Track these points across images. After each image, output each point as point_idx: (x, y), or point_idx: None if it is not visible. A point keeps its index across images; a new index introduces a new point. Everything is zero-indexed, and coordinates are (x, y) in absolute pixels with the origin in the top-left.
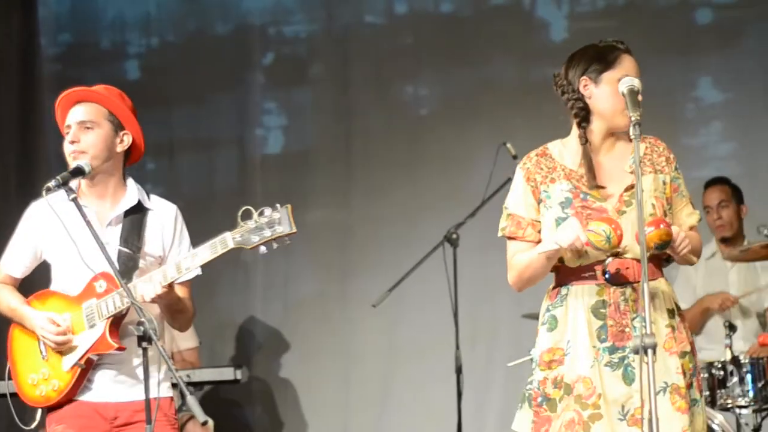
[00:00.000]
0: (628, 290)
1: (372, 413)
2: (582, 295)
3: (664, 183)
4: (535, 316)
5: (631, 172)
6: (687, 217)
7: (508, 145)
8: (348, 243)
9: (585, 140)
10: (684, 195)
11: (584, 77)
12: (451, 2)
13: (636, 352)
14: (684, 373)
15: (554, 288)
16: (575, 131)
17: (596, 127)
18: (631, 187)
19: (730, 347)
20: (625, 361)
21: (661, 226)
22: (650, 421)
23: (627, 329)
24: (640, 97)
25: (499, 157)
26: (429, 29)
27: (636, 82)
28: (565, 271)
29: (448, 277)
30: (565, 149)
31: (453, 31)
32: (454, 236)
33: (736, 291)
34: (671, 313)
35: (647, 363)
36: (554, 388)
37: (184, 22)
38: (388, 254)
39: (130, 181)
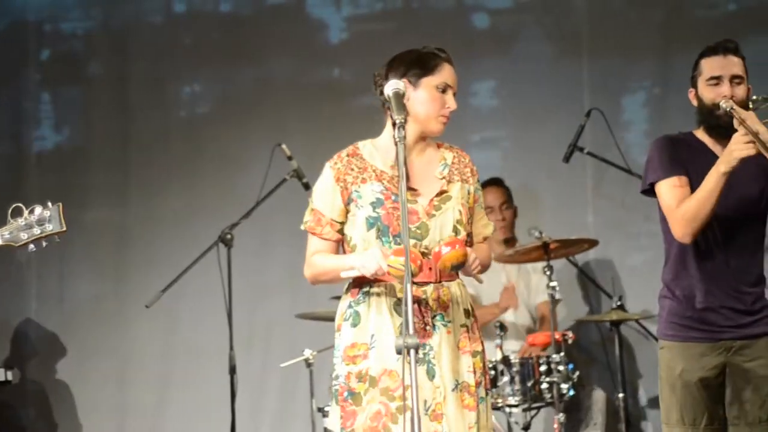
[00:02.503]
0: (430, 288)
1: (148, 414)
2: (385, 292)
3: (469, 193)
4: (309, 316)
5: (442, 178)
6: (483, 227)
7: (284, 146)
8: (125, 242)
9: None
10: (482, 206)
11: (404, 79)
12: (229, 2)
13: (399, 352)
14: (475, 372)
15: (354, 285)
16: (388, 132)
17: (410, 129)
18: (442, 192)
19: (501, 347)
20: (427, 358)
21: (457, 246)
22: (413, 420)
23: (428, 327)
24: (405, 101)
25: (275, 157)
26: (208, 28)
27: (401, 86)
28: None
29: (222, 278)
30: (376, 150)
31: (232, 30)
32: (229, 236)
33: None
34: (467, 313)
35: (409, 362)
36: (359, 381)
37: None
38: (165, 254)
39: None
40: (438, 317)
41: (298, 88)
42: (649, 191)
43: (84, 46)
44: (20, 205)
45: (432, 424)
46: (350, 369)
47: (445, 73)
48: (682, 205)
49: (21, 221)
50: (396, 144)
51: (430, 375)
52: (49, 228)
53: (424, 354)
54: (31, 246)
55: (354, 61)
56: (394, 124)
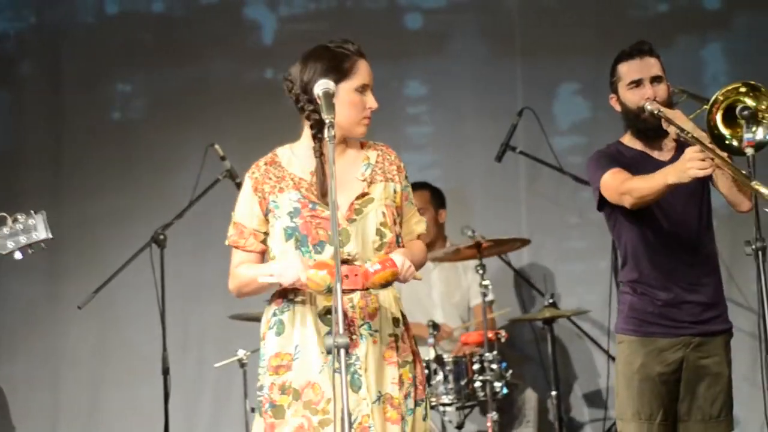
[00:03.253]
0: (357, 297)
1: (81, 415)
2: (310, 300)
3: (395, 192)
4: (243, 317)
5: (363, 180)
6: (415, 225)
7: (217, 146)
8: (58, 244)
9: (320, 153)
10: (412, 203)
11: None
12: (162, 2)
13: (329, 351)
14: (402, 383)
15: (279, 293)
16: (306, 136)
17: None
18: (363, 195)
19: (434, 346)
20: (353, 369)
21: (387, 265)
22: (342, 420)
23: (355, 336)
24: (336, 104)
25: (208, 158)
26: (140, 29)
27: (331, 86)
28: None
29: (155, 279)
30: (294, 156)
31: (164, 30)
32: (162, 237)
33: (438, 290)
34: (396, 322)
35: (341, 362)
36: (281, 394)
37: None
38: (99, 256)
39: None
40: (365, 326)
41: (232, 89)
42: (603, 204)
43: (15, 46)
44: (5, 214)
45: None
46: (273, 380)
47: (362, 73)
48: (630, 181)
49: (5, 230)
50: (314, 151)
51: (356, 386)
52: (36, 236)
53: (350, 365)
54: (18, 254)
55: (288, 61)
56: (318, 124)
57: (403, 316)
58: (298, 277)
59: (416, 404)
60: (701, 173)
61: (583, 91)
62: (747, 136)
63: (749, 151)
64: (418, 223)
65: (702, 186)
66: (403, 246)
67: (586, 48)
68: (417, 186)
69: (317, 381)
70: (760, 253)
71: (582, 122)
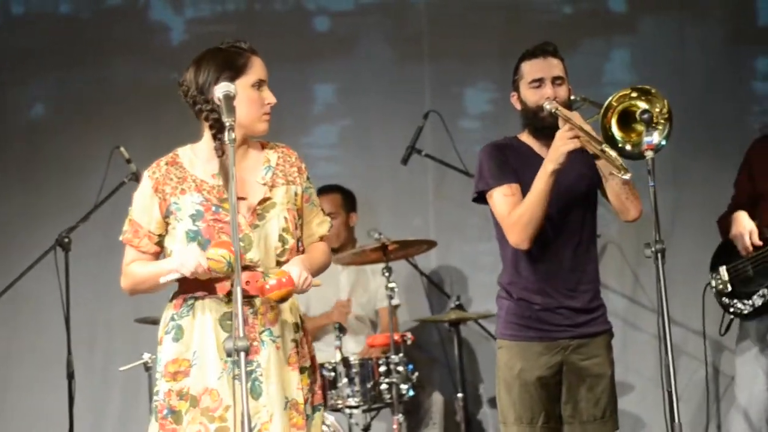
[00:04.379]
0: (258, 302)
1: None
2: (210, 306)
3: (296, 194)
4: (149, 320)
5: (264, 184)
6: (317, 226)
7: (122, 149)
8: None
9: (222, 153)
10: (315, 204)
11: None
12: (68, 3)
13: (229, 354)
14: (303, 389)
15: (178, 296)
16: (207, 137)
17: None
18: (264, 200)
19: (340, 348)
20: (253, 375)
21: (284, 280)
22: (242, 422)
23: (256, 342)
24: (235, 103)
25: (113, 160)
26: (47, 30)
27: (232, 88)
28: (191, 281)
29: (59, 282)
30: (196, 157)
31: (71, 32)
32: (66, 240)
33: (347, 293)
34: (296, 327)
35: (241, 366)
36: (179, 400)
37: None
38: (3, 259)
39: None
40: (266, 333)
41: (138, 91)
42: (480, 198)
43: None
44: None
45: None
46: (171, 386)
47: (257, 69)
48: (515, 212)
49: None
50: (216, 150)
51: (256, 394)
52: None
53: (250, 372)
54: None
55: None
56: (218, 123)
57: (302, 320)
58: (199, 262)
59: (314, 410)
60: (569, 147)
61: (490, 93)
62: (647, 139)
63: (649, 154)
64: (320, 225)
65: (588, 193)
66: (304, 250)
67: (492, 51)
68: (328, 189)
69: (215, 387)
70: (659, 255)
71: (489, 125)
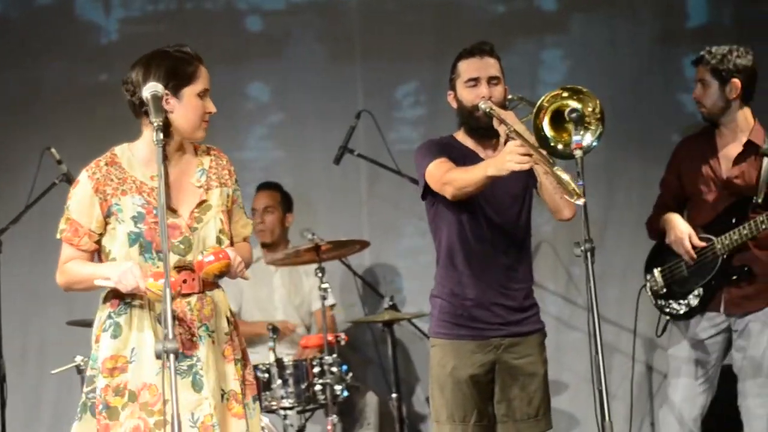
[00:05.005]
0: (194, 300)
1: None
2: (147, 303)
3: (228, 196)
4: (82, 323)
5: (200, 187)
6: (242, 228)
7: (53, 150)
8: None
9: (165, 158)
10: (241, 206)
11: (166, 91)
12: None
13: (158, 356)
14: (238, 380)
15: (115, 295)
16: (145, 140)
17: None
18: (201, 203)
19: (274, 350)
20: (194, 369)
21: (221, 257)
22: (172, 423)
23: (195, 338)
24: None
25: (44, 161)
26: None
27: (159, 88)
28: None
29: None
30: (135, 158)
31: (0, 32)
32: None
33: (280, 294)
34: (228, 321)
35: (168, 367)
36: (116, 395)
37: None
38: None
39: None
40: (203, 328)
41: (68, 91)
42: (427, 192)
43: None
44: None
45: None
46: (108, 382)
47: (203, 78)
48: (452, 171)
49: None
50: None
51: (198, 387)
52: None
53: (191, 366)
54: None
55: (125, 63)
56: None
57: (233, 314)
58: (138, 285)
59: (253, 400)
60: (518, 167)
61: (423, 93)
62: (575, 138)
63: (578, 153)
64: (245, 227)
65: (525, 192)
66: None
67: (425, 50)
68: (269, 186)
69: (154, 383)
70: (588, 254)
71: (421, 124)
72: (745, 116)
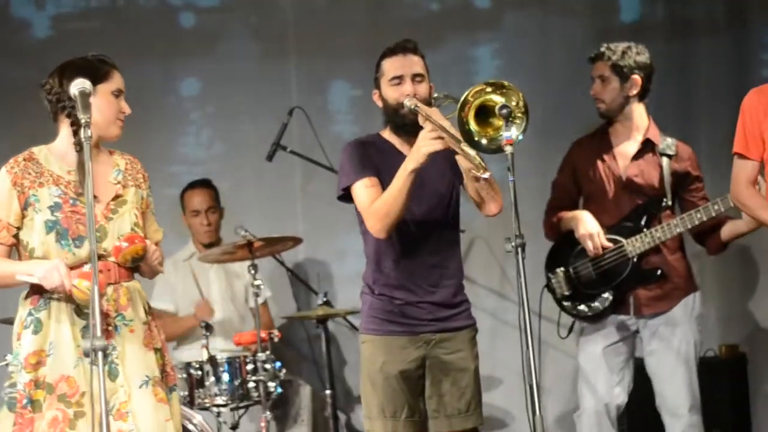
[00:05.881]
0: (110, 290)
1: None
2: (65, 298)
3: (142, 198)
4: (9, 321)
5: (117, 183)
6: (154, 233)
7: None
8: None
9: (80, 148)
10: (153, 212)
11: None
12: None
13: (87, 354)
14: (159, 367)
15: (35, 292)
16: (63, 137)
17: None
18: (117, 197)
19: (207, 347)
20: (110, 359)
21: (137, 241)
22: (101, 424)
23: (110, 327)
24: (91, 100)
25: None
26: None
27: (87, 85)
28: None
29: None
30: (52, 155)
31: None
32: None
33: (217, 290)
34: (145, 311)
35: (97, 365)
36: (37, 389)
37: None
38: None
39: None
40: (119, 318)
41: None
42: (345, 197)
43: None
44: None
45: (117, 423)
46: (32, 377)
47: (117, 80)
48: (375, 203)
49: None
50: (75, 145)
51: (113, 375)
52: None
53: (107, 354)
54: None
55: (57, 60)
56: (74, 124)
57: (149, 305)
58: (63, 283)
59: (170, 390)
60: (432, 148)
61: (356, 89)
62: (506, 134)
63: (508, 149)
64: (157, 232)
65: (451, 190)
66: None
67: (359, 47)
68: (205, 184)
69: (72, 375)
70: (519, 249)
71: (354, 121)
72: (640, 114)
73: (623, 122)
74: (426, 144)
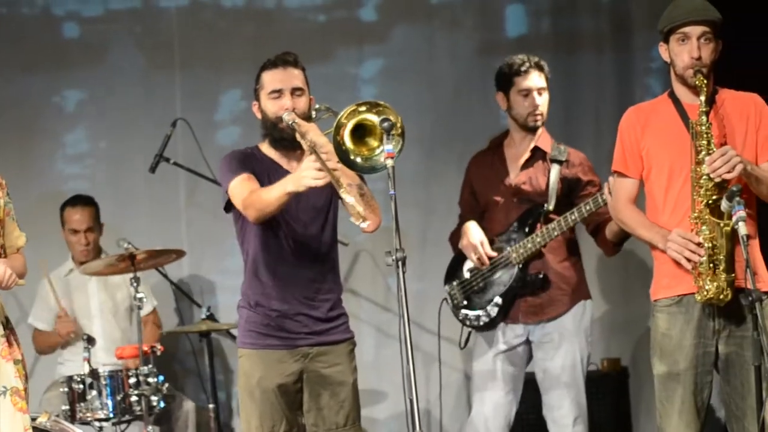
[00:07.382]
0: None
1: None
2: None
3: (0, 206)
4: None
5: None
6: (16, 239)
7: None
8: None
9: None
10: (14, 219)
11: None
12: None
13: None
14: (20, 378)
15: None
16: None
17: None
18: None
19: (89, 360)
20: None
21: None
22: None
23: None
24: None
25: None
26: None
27: None
28: None
29: None
30: None
31: None
32: None
33: (97, 302)
34: (4, 324)
35: None
36: None
37: None
38: None
39: None
40: None
41: None
42: (230, 206)
43: None
44: None
45: None
46: None
47: None
48: (253, 195)
49: None
50: None
51: None
52: None
53: None
54: None
55: None
56: None
57: (8, 319)
58: None
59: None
60: (314, 183)
61: (242, 102)
62: (387, 147)
63: (389, 162)
64: (18, 238)
65: (329, 205)
66: (6, 257)
67: (245, 59)
68: (84, 202)
69: None
70: (400, 263)
71: (240, 133)
72: None
73: (518, 132)
74: (309, 177)
